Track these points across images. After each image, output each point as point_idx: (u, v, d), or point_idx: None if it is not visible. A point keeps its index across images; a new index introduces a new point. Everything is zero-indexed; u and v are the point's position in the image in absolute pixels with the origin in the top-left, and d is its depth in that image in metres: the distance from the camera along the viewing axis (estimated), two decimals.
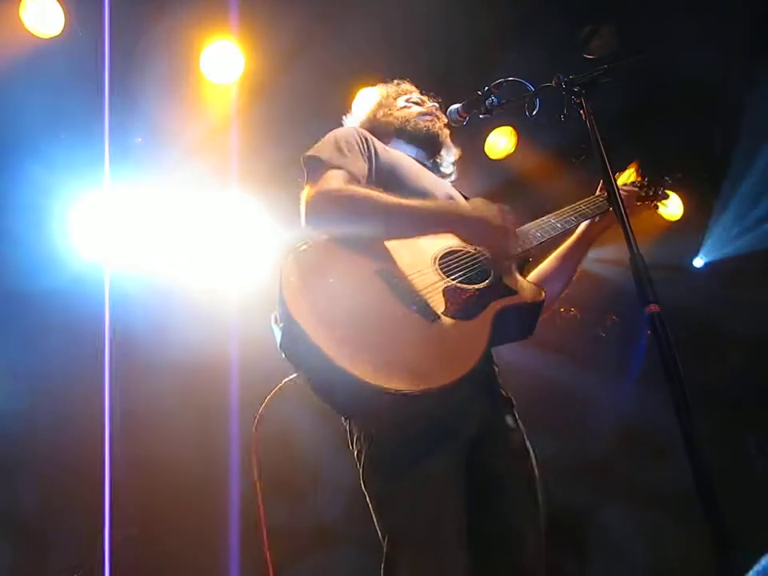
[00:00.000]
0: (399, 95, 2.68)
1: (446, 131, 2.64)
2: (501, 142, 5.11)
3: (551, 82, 2.06)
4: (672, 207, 5.73)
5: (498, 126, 5.02)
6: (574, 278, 2.48)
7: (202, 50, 4.32)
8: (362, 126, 2.60)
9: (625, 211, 1.70)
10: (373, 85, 4.49)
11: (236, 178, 5.02)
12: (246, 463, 5.08)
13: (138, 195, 4.99)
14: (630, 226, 1.67)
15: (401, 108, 2.62)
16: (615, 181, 1.79)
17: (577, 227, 2.43)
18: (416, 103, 2.65)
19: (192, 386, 5.15)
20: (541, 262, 2.50)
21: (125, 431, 4.91)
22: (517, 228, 2.06)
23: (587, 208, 2.39)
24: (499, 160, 5.14)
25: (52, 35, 4.04)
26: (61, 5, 4.00)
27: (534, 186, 5.09)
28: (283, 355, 1.84)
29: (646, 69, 2.01)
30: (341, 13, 4.15)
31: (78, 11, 4.06)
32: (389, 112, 2.60)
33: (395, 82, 2.76)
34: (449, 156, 2.67)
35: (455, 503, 1.89)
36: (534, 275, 2.42)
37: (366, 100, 2.76)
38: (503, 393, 2.19)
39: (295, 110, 4.74)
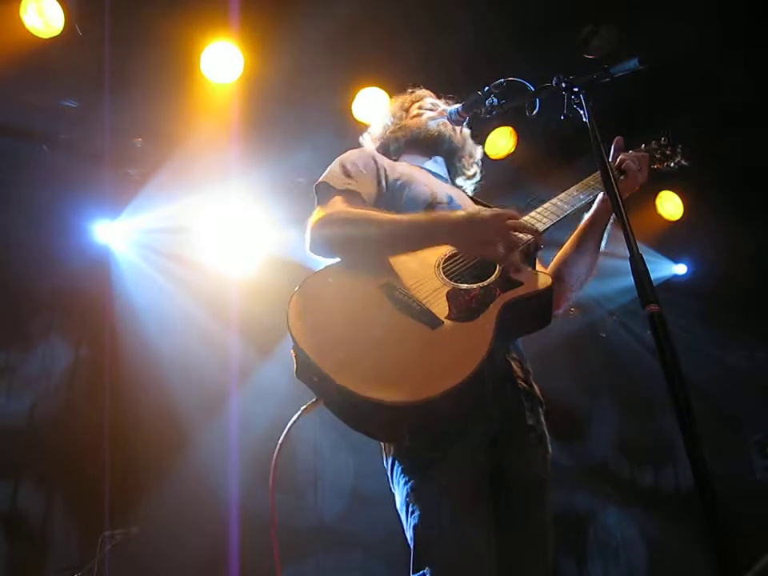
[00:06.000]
0: (412, 103, 2.64)
1: (464, 132, 2.60)
2: (501, 142, 5.11)
3: (551, 82, 2.05)
4: (671, 207, 5.75)
5: (498, 126, 5.03)
6: (598, 261, 2.35)
7: (202, 50, 4.32)
8: (377, 141, 2.61)
9: (625, 212, 1.69)
10: (373, 85, 4.56)
11: (236, 177, 5.03)
12: (245, 463, 5.09)
13: (139, 193, 5.01)
14: (630, 226, 1.66)
15: (413, 117, 2.59)
16: (615, 181, 1.77)
17: (587, 204, 2.29)
18: (428, 109, 2.61)
19: (193, 384, 5.15)
20: (561, 247, 2.40)
21: (125, 431, 4.91)
22: (517, 227, 1.95)
23: (594, 182, 2.27)
24: (499, 159, 5.15)
25: (52, 35, 4.04)
26: (61, 5, 4.00)
27: (534, 186, 5.09)
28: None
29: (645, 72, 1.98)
30: (341, 13, 4.14)
31: (78, 11, 4.06)
32: (400, 123, 2.58)
33: (408, 90, 2.72)
34: (470, 157, 2.63)
35: (477, 503, 1.90)
36: (554, 262, 2.36)
37: (380, 114, 2.72)
38: (530, 391, 2.15)
39: (295, 110, 4.75)
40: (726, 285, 6.10)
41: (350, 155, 2.35)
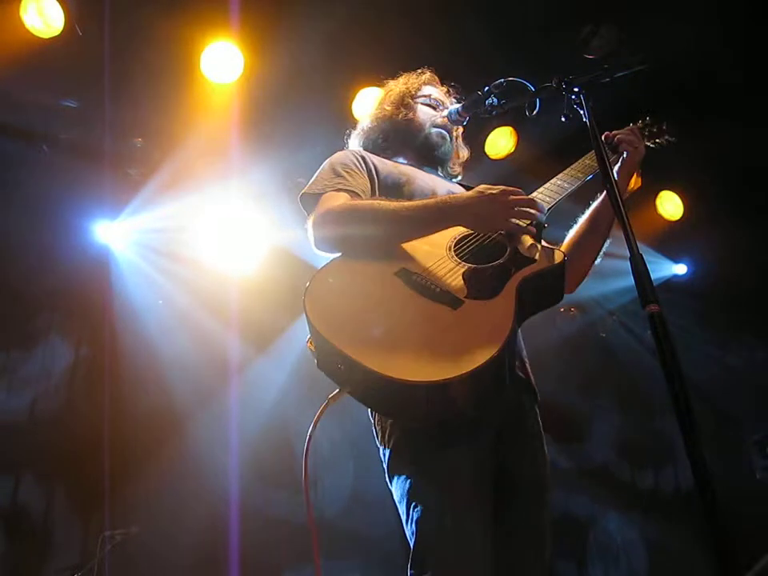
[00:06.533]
0: (419, 87, 2.62)
1: (457, 141, 2.63)
2: (501, 142, 5.11)
3: (551, 82, 2.06)
4: (671, 207, 5.75)
5: (499, 126, 5.03)
6: (608, 239, 2.39)
7: (202, 50, 4.32)
8: (376, 123, 2.60)
9: (625, 212, 1.69)
10: (373, 85, 4.55)
11: (236, 177, 5.03)
12: (245, 462, 5.10)
13: (139, 193, 5.01)
14: (630, 226, 1.66)
15: (415, 113, 2.57)
16: (616, 181, 1.77)
17: (584, 182, 2.32)
18: (431, 106, 2.59)
19: (192, 383, 5.15)
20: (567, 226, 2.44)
21: (125, 430, 4.91)
22: (525, 202, 1.99)
23: (592, 161, 2.32)
24: (499, 159, 5.14)
25: (52, 35, 4.04)
26: (61, 5, 4.00)
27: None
28: (324, 373, 1.87)
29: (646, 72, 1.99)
30: (341, 13, 4.14)
31: (78, 11, 4.06)
32: (400, 116, 2.55)
33: (419, 70, 2.71)
34: (458, 158, 2.67)
35: (477, 501, 1.90)
36: (567, 242, 2.39)
37: (384, 92, 2.70)
38: (529, 385, 2.16)
39: (295, 110, 4.74)
40: (725, 285, 6.09)
41: (338, 157, 2.36)
